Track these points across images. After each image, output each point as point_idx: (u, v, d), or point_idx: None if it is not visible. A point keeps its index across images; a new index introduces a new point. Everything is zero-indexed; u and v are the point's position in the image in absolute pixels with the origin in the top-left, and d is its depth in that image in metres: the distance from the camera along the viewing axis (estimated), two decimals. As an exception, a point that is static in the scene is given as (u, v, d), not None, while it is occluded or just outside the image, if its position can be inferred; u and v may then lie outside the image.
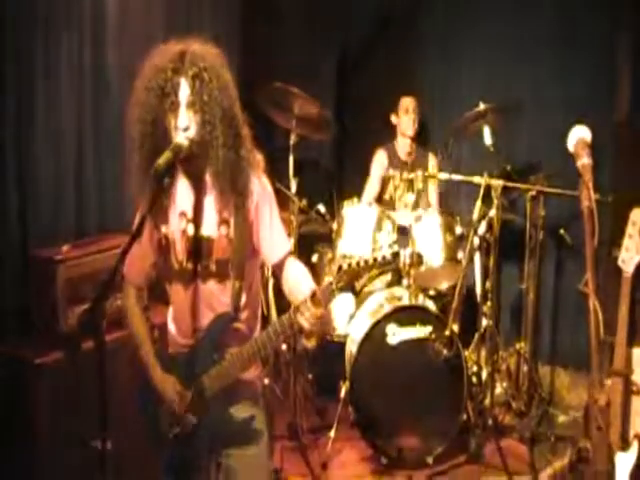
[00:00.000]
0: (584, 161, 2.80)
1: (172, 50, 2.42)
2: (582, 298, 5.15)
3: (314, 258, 4.95)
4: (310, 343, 2.39)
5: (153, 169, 2.28)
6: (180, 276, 2.61)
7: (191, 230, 2.56)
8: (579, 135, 2.89)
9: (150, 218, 2.51)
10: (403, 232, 4.75)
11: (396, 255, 2.33)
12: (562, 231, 4.99)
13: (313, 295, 2.34)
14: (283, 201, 4.22)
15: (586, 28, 5.21)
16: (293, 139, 4.77)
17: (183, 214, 2.57)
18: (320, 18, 6.09)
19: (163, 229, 2.60)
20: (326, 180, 5.81)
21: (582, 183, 2.75)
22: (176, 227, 2.58)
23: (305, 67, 5.82)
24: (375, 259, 2.31)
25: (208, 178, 2.52)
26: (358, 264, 2.31)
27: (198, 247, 2.55)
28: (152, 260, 2.69)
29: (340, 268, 2.33)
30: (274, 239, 2.64)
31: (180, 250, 2.58)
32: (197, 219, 2.55)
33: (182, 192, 2.57)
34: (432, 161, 5.59)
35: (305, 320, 2.36)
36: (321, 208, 4.81)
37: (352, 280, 2.33)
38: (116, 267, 2.17)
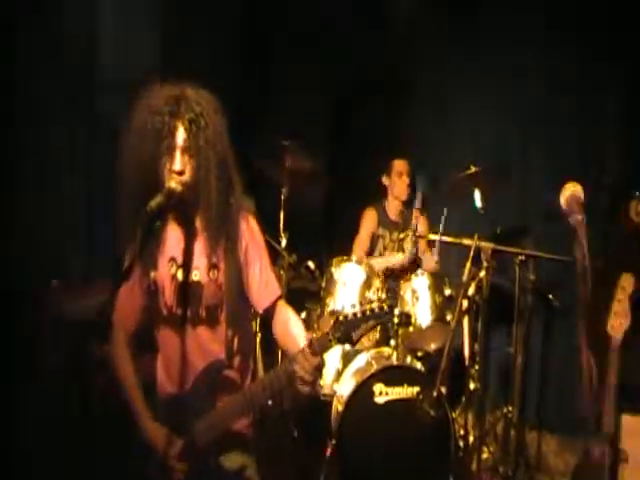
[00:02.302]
0: (577, 217, 2.81)
1: (167, 93, 2.45)
2: (569, 363, 5.24)
3: (303, 315, 4.92)
4: (305, 390, 2.38)
5: (144, 212, 2.27)
6: (169, 322, 2.60)
7: (181, 275, 2.55)
8: (571, 191, 2.91)
9: (139, 263, 2.51)
10: (391, 289, 4.74)
11: (392, 307, 2.41)
12: (551, 296, 4.98)
13: (310, 344, 2.35)
14: (273, 256, 4.23)
15: (573, 91, 5.32)
16: (284, 194, 4.79)
17: (173, 259, 2.57)
18: (311, 79, 6.19)
19: (152, 274, 2.59)
20: (316, 237, 5.82)
21: (576, 240, 2.76)
22: (165, 272, 2.58)
23: (297, 125, 5.85)
24: (372, 310, 2.32)
25: (198, 222, 2.52)
26: (355, 315, 2.32)
27: (188, 292, 2.54)
28: (141, 305, 2.67)
29: (337, 319, 2.34)
30: (264, 283, 2.65)
31: (169, 296, 2.58)
32: (187, 264, 2.53)
33: (172, 237, 2.57)
34: (421, 220, 5.59)
35: (302, 369, 2.36)
36: (311, 264, 4.81)
37: (349, 331, 2.33)
38: (103, 309, 2.15)
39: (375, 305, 2.33)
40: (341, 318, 2.33)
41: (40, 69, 4.20)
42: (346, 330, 2.33)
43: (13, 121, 4.05)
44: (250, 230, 2.62)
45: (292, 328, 2.62)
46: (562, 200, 2.91)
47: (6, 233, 3.98)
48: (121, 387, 2.68)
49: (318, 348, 2.35)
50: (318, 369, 2.40)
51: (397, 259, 5.03)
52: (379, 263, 4.99)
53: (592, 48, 5.17)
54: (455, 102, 5.94)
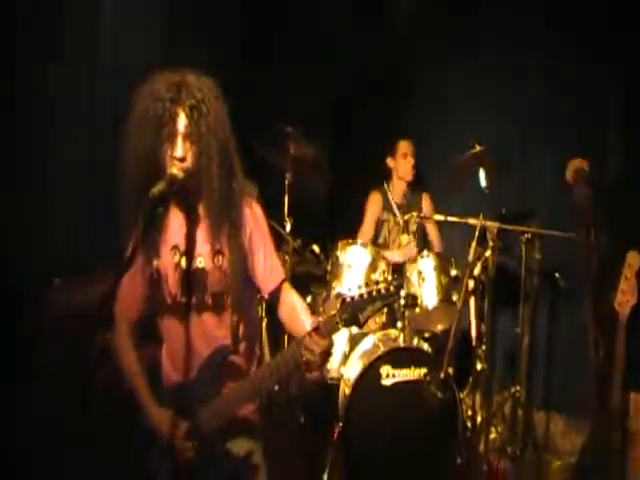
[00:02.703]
0: (583, 190, 2.79)
1: (169, 80, 2.43)
2: (576, 342, 5.24)
3: (308, 299, 4.92)
4: (314, 374, 2.41)
5: (146, 199, 2.26)
6: (174, 310, 2.59)
7: (184, 263, 2.53)
8: (577, 165, 2.90)
9: (142, 251, 2.51)
10: (396, 270, 4.75)
11: (399, 288, 2.34)
12: (557, 275, 4.97)
13: (317, 327, 2.35)
14: (277, 241, 4.23)
15: (573, 91, 5.33)
16: (288, 179, 4.79)
17: (175, 247, 2.56)
18: (315, 63, 6.17)
19: (155, 263, 2.58)
20: (320, 221, 5.82)
21: (580, 214, 2.75)
22: (168, 261, 2.57)
23: (299, 110, 5.86)
24: (379, 291, 2.31)
25: (201, 209, 2.52)
26: (361, 296, 2.31)
27: (192, 280, 2.53)
28: (144, 294, 2.65)
29: (343, 301, 2.33)
30: (269, 268, 2.65)
31: (173, 284, 2.56)
32: (189, 251, 2.52)
33: (174, 225, 2.56)
34: (425, 201, 5.61)
35: (309, 352, 2.36)
36: (315, 249, 4.82)
37: (356, 313, 2.33)
38: (105, 299, 2.15)
39: (381, 286, 2.31)
40: (347, 300, 2.33)
41: (41, 64, 4.18)
42: (353, 312, 2.32)
43: (12, 118, 4.04)
44: (254, 215, 2.61)
45: (298, 312, 2.64)
46: (568, 175, 2.89)
47: (6, 231, 3.98)
48: (125, 376, 2.67)
49: (325, 331, 2.35)
50: (326, 352, 2.40)
51: (402, 255, 5.02)
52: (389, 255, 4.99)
53: (592, 48, 5.13)
54: (455, 101, 5.94)
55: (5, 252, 3.95)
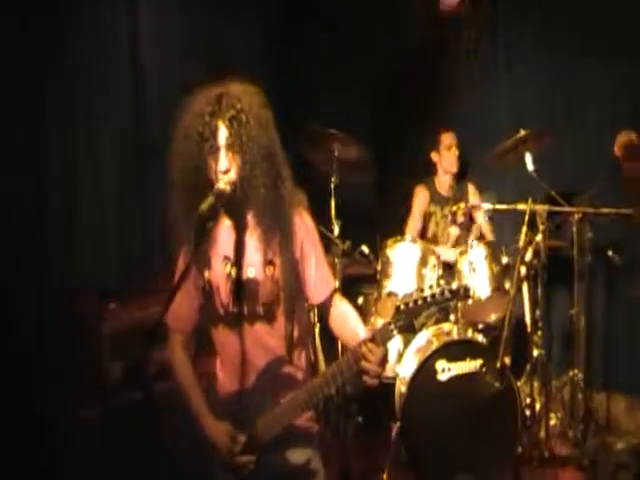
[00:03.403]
0: (633, 164, 2.73)
1: (209, 94, 2.45)
2: (635, 319, 5.20)
3: (360, 300, 4.98)
4: (373, 382, 2.41)
5: (197, 215, 2.29)
6: (226, 321, 2.59)
7: (235, 273, 2.54)
8: (625, 139, 2.84)
9: (194, 263, 2.51)
10: (448, 269, 4.77)
11: (455, 292, 2.31)
12: (610, 253, 4.92)
13: (372, 336, 2.36)
14: (326, 245, 4.26)
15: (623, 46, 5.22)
16: (334, 182, 4.79)
17: (226, 258, 2.55)
18: (353, 58, 6.17)
19: (206, 274, 2.58)
20: (368, 221, 5.84)
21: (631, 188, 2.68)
22: (220, 272, 2.56)
23: (340, 110, 5.91)
24: (433, 296, 2.30)
25: (251, 219, 2.52)
26: (416, 302, 2.30)
27: (243, 289, 2.53)
28: (197, 305, 2.67)
29: (398, 308, 2.32)
30: (320, 278, 2.64)
31: (225, 294, 2.56)
32: (239, 261, 2.53)
33: (224, 236, 2.56)
34: (472, 190, 5.62)
35: (367, 362, 2.37)
36: (364, 249, 4.83)
37: (411, 319, 2.32)
38: (162, 314, 2.17)
39: (436, 291, 2.30)
40: (402, 306, 2.31)
41: (74, 69, 4.29)
42: (407, 318, 2.31)
43: (63, 137, 4.17)
44: (304, 224, 2.60)
45: (350, 321, 2.64)
46: (616, 149, 2.83)
47: (61, 253, 4.13)
48: (181, 390, 2.70)
49: (380, 339, 2.35)
50: (383, 360, 2.40)
51: (448, 255, 5.03)
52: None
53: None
54: (497, 65, 5.91)
55: (64, 273, 4.11)
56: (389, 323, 2.35)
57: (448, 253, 5.02)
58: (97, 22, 4.40)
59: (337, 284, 2.78)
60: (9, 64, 3.86)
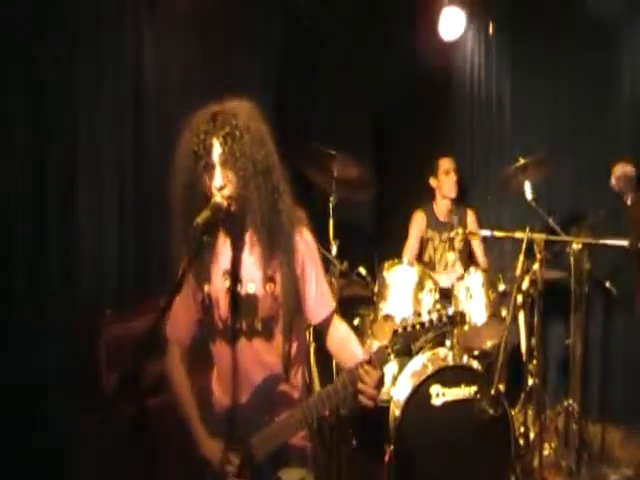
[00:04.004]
0: (629, 196, 2.74)
1: (206, 113, 2.46)
2: (631, 351, 5.17)
3: (356, 322, 4.96)
4: (369, 403, 2.39)
5: (192, 228, 2.29)
6: (225, 335, 2.58)
7: (235, 288, 2.54)
8: (622, 171, 2.86)
9: (193, 277, 2.54)
10: (444, 295, 4.75)
11: (453, 318, 2.31)
12: (608, 283, 4.91)
13: (369, 359, 2.35)
14: (324, 264, 4.24)
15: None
16: (333, 201, 4.79)
17: (227, 272, 2.55)
18: (355, 82, 6.20)
19: (206, 288, 2.58)
20: (366, 243, 5.83)
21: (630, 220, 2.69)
22: (219, 286, 2.56)
23: (342, 130, 5.91)
24: (431, 321, 2.30)
25: (250, 235, 2.52)
26: (414, 327, 2.30)
27: (243, 305, 2.53)
28: (196, 318, 2.67)
29: (396, 332, 2.32)
30: (319, 297, 2.63)
31: (224, 309, 2.56)
32: (236, 276, 2.53)
33: (225, 251, 2.57)
34: (470, 217, 5.62)
35: (363, 384, 2.37)
36: (362, 271, 4.81)
37: (408, 343, 2.31)
38: (155, 325, 2.13)
39: (434, 316, 2.30)
40: (400, 330, 2.31)
41: (86, 93, 4.31)
42: (405, 342, 2.31)
43: (64, 154, 4.17)
44: (305, 243, 2.59)
45: (348, 343, 2.63)
46: (613, 180, 2.84)
47: (63, 263, 4.11)
48: (176, 402, 2.70)
49: (377, 361, 2.35)
50: (380, 382, 2.39)
51: (449, 280, 5.02)
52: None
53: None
54: (499, 94, 5.95)
55: (62, 283, 4.08)
56: (386, 346, 2.34)
57: (445, 279, 5.00)
58: (101, 48, 4.42)
59: (335, 305, 2.73)
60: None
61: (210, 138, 2.40)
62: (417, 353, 4.51)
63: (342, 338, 2.67)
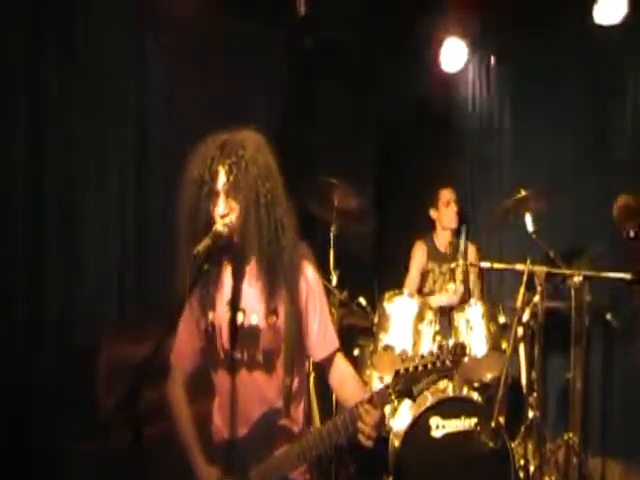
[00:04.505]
0: (631, 229, 2.73)
1: (215, 141, 2.48)
2: (633, 384, 5.14)
3: (355, 352, 4.95)
4: (368, 443, 2.37)
5: (192, 255, 2.29)
6: (226, 365, 2.58)
7: (238, 318, 2.54)
8: (624, 202, 2.84)
9: (198, 304, 2.55)
10: (444, 322, 4.73)
11: (457, 362, 2.29)
12: (609, 316, 4.89)
13: (370, 399, 2.34)
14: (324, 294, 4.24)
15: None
16: (333, 231, 4.81)
17: (230, 302, 2.55)
18: (356, 113, 6.25)
19: (210, 316, 2.59)
20: (366, 273, 5.83)
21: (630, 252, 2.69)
22: (223, 315, 2.57)
23: (342, 162, 5.92)
24: (434, 364, 2.28)
25: (252, 267, 2.51)
26: (416, 369, 2.29)
27: (244, 336, 2.53)
28: (200, 346, 2.67)
29: (398, 372, 2.31)
30: (322, 335, 2.63)
31: (226, 338, 2.56)
32: (236, 306, 2.54)
33: (229, 280, 2.57)
34: (472, 251, 5.61)
35: (363, 423, 2.35)
36: (362, 301, 4.81)
37: (409, 385, 2.31)
38: (155, 350, 2.13)
39: (438, 360, 2.29)
40: (402, 371, 2.30)
41: (92, 116, 4.35)
42: (407, 384, 2.30)
43: (66, 178, 4.19)
44: (309, 279, 2.59)
45: (350, 382, 2.62)
46: (615, 212, 2.82)
47: (61, 286, 4.10)
48: (175, 427, 2.69)
49: (378, 401, 2.34)
50: (379, 423, 2.38)
51: (447, 298, 5.01)
52: (433, 301, 5.00)
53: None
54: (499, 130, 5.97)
55: (58, 310, 4.07)
56: (387, 387, 2.33)
57: (442, 299, 4.99)
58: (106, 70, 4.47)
59: (339, 344, 2.72)
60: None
61: (216, 165, 2.42)
62: (418, 395, 4.49)
63: (344, 377, 2.66)
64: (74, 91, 4.22)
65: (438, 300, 4.99)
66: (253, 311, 2.54)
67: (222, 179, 2.41)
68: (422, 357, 2.31)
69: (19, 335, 3.89)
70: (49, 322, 4.02)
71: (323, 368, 2.72)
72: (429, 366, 2.29)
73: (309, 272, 2.61)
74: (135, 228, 4.57)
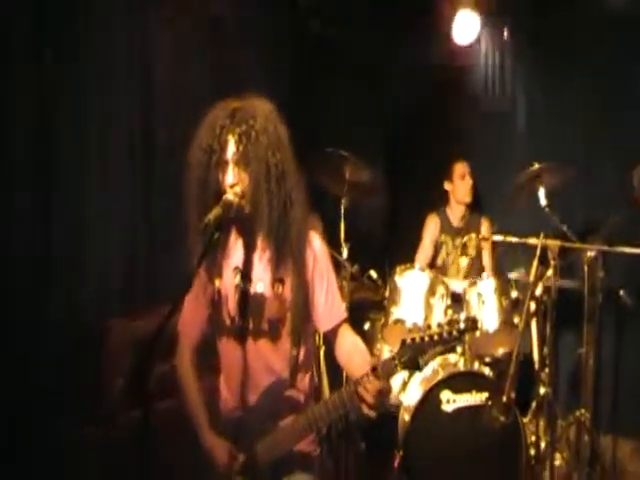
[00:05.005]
0: None
1: (225, 108, 2.44)
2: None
3: (366, 326, 4.94)
4: (371, 414, 2.35)
5: (203, 224, 2.27)
6: (232, 332, 2.57)
7: (244, 285, 2.53)
8: None
9: (204, 271, 2.53)
10: (456, 299, 4.69)
11: (463, 331, 2.25)
12: (622, 292, 4.83)
13: (374, 369, 2.31)
14: (334, 267, 4.21)
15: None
16: (344, 204, 4.76)
17: (237, 269, 2.54)
18: (368, 85, 6.19)
19: (217, 283, 2.57)
20: (378, 246, 5.80)
21: None
22: (229, 281, 2.56)
23: (354, 134, 5.88)
24: (440, 335, 2.25)
25: (261, 239, 2.50)
26: (422, 339, 2.25)
27: (250, 303, 2.52)
28: (206, 314, 2.65)
29: (404, 343, 2.28)
30: (329, 306, 2.60)
31: (232, 305, 2.55)
32: (247, 275, 2.52)
33: (237, 248, 2.56)
34: (485, 225, 5.56)
35: (367, 394, 2.31)
36: (373, 274, 4.78)
37: (416, 356, 2.27)
38: (163, 325, 2.08)
39: (444, 330, 2.25)
40: (408, 341, 2.27)
41: (98, 90, 4.29)
42: (413, 355, 2.26)
43: (70, 151, 4.14)
44: (316, 251, 2.57)
45: (356, 355, 2.58)
46: (635, 179, 2.74)
47: (67, 266, 4.07)
48: (185, 402, 2.67)
49: (383, 372, 2.30)
50: (383, 394, 2.35)
51: (457, 286, 4.96)
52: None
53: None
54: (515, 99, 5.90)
55: (66, 286, 4.04)
56: (393, 358, 2.30)
57: (457, 285, 4.94)
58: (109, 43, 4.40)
59: (346, 315, 2.69)
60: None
61: (226, 134, 2.38)
62: (425, 366, 4.47)
63: (350, 349, 2.62)
64: (79, 61, 4.16)
65: (453, 285, 4.92)
66: (259, 279, 2.53)
67: (232, 148, 2.38)
68: (429, 328, 2.28)
69: (21, 313, 3.85)
70: (54, 302, 3.97)
71: (329, 340, 2.69)
72: (435, 337, 2.25)
73: (316, 243, 2.59)
74: (141, 202, 4.54)
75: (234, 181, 2.38)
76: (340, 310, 2.65)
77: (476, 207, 5.69)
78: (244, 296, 2.52)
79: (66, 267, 4.05)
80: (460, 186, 5.51)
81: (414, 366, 2.30)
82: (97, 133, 4.29)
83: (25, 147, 3.86)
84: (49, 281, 3.96)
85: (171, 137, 4.55)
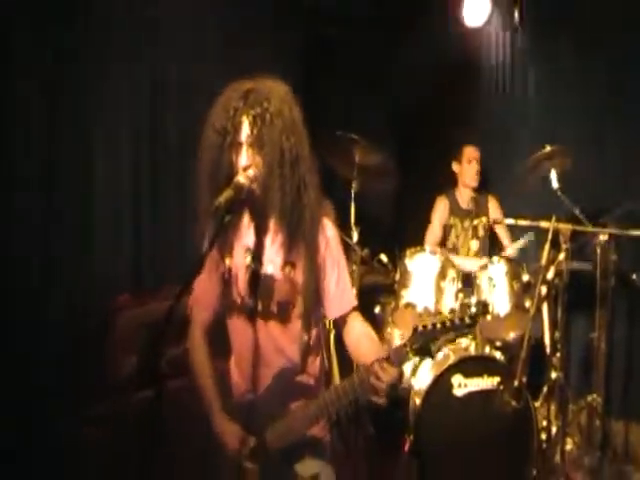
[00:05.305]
0: None
1: (239, 89, 2.41)
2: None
3: (376, 310, 4.92)
4: (380, 400, 2.36)
5: (214, 206, 2.24)
6: (242, 311, 2.56)
7: (255, 267, 2.52)
8: None
9: (216, 250, 2.51)
10: (467, 281, 4.66)
11: (475, 319, 2.25)
12: (634, 276, 4.80)
13: (387, 356, 2.30)
14: (345, 251, 4.20)
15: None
16: (354, 188, 4.74)
17: (248, 249, 2.53)
18: (377, 67, 6.16)
19: (227, 262, 2.57)
20: (388, 230, 5.78)
21: None
22: (240, 261, 2.55)
23: (363, 116, 5.89)
24: (452, 321, 2.24)
25: (273, 223, 2.48)
26: (434, 326, 2.25)
27: (259, 284, 2.50)
28: (218, 292, 2.64)
29: (415, 329, 2.27)
30: (339, 293, 2.59)
31: (242, 284, 2.54)
32: (258, 257, 2.51)
33: (248, 230, 2.55)
34: (492, 203, 5.55)
35: (378, 381, 2.31)
36: (383, 258, 4.76)
37: (428, 342, 2.27)
38: (174, 306, 2.06)
39: (456, 316, 2.25)
40: (420, 328, 2.26)
41: (105, 72, 4.28)
42: (425, 342, 2.26)
43: (77, 137, 4.13)
44: (330, 236, 2.56)
45: (365, 342, 2.57)
46: None
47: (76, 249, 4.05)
48: (196, 383, 2.65)
49: (395, 359, 2.30)
50: (394, 381, 2.34)
51: (469, 265, 4.92)
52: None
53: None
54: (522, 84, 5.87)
55: (75, 269, 4.03)
56: (405, 345, 2.29)
57: (468, 263, 4.92)
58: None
59: (356, 302, 2.67)
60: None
61: (240, 116, 2.35)
62: (437, 352, 4.49)
63: (360, 337, 2.60)
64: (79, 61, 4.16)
65: (464, 264, 4.88)
66: (270, 261, 2.51)
67: (245, 131, 2.35)
68: (440, 314, 2.28)
69: (30, 298, 3.85)
70: (64, 283, 3.97)
71: (339, 327, 2.67)
72: (447, 323, 2.24)
73: (329, 229, 2.57)
74: (150, 182, 4.52)
75: (248, 163, 2.36)
76: (350, 297, 2.64)
77: (483, 187, 5.66)
78: (254, 276, 2.51)
79: (72, 259, 4.06)
80: (467, 169, 5.50)
81: (426, 353, 2.31)
82: (103, 111, 4.30)
83: (25, 147, 3.85)
84: (49, 281, 3.96)
85: (184, 114, 4.56)
